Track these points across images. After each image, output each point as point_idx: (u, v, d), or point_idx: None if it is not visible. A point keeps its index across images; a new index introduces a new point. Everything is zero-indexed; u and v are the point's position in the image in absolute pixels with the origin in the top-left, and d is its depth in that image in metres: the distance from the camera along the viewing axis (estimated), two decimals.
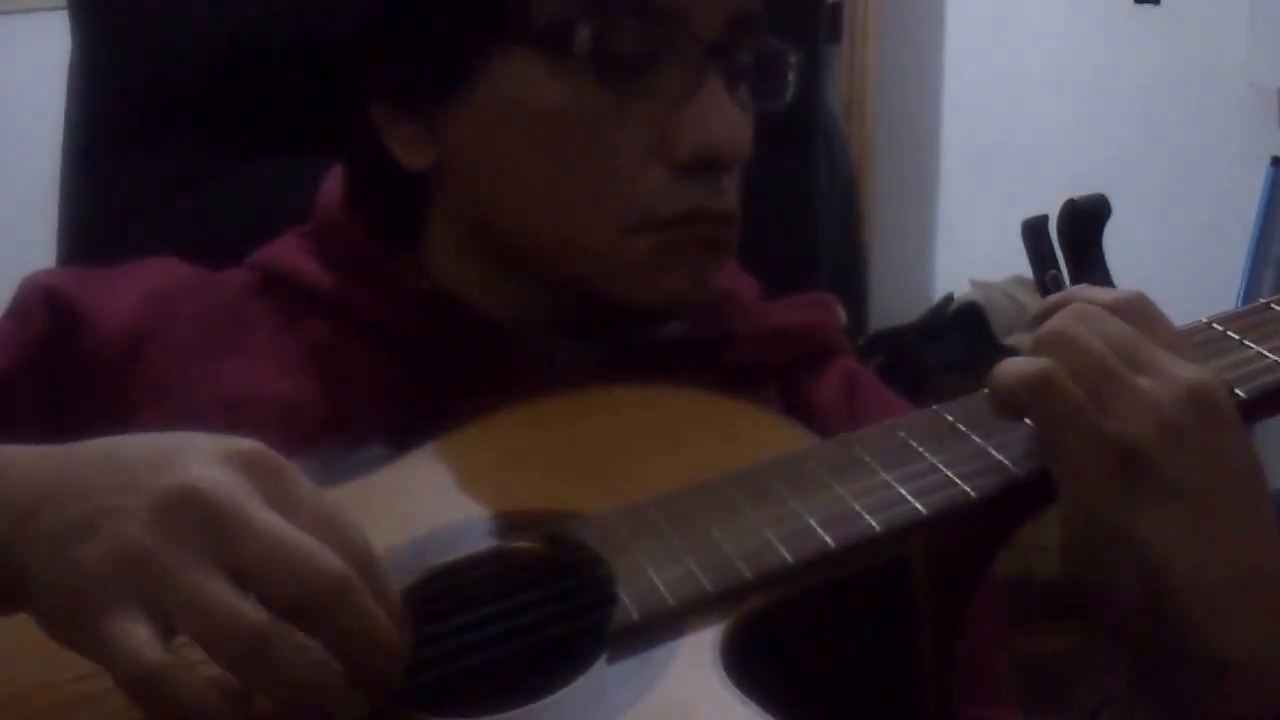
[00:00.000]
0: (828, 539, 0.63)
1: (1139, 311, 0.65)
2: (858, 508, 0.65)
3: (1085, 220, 1.85)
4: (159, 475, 0.57)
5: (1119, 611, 0.63)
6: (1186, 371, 0.63)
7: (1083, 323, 0.64)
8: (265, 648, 0.55)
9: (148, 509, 0.56)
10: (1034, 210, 1.94)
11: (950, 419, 0.69)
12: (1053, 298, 0.67)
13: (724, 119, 0.80)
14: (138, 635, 0.55)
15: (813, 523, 0.64)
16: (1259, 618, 0.62)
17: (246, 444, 0.60)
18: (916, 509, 0.64)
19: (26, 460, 0.61)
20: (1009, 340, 2.53)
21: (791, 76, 0.86)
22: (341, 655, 0.57)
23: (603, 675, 0.61)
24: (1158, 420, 0.61)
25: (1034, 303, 2.52)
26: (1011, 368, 0.63)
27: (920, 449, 0.67)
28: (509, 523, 0.71)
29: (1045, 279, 1.88)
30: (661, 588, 0.62)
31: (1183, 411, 0.62)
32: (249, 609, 0.55)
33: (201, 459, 0.58)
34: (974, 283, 2.72)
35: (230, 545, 0.56)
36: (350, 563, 0.57)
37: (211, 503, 0.56)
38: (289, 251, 0.91)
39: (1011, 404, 0.64)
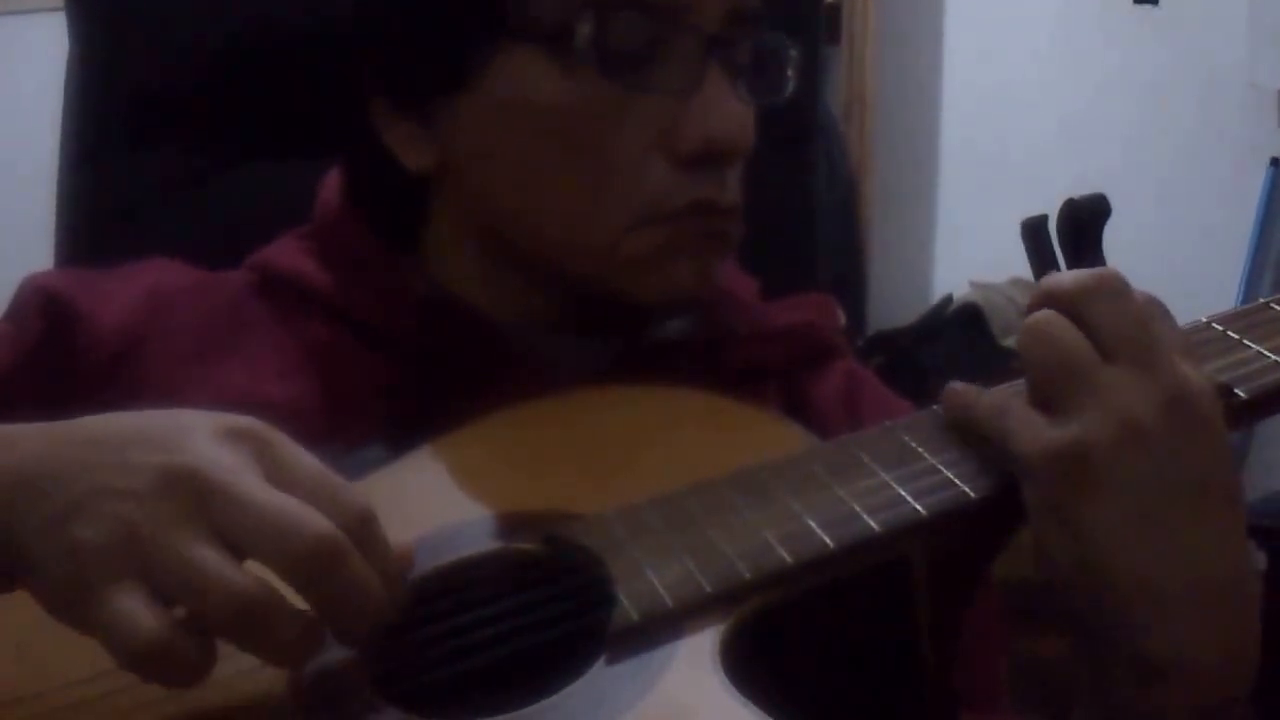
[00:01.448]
0: (827, 540, 0.63)
1: (1153, 309, 0.65)
2: (857, 508, 0.64)
3: (1085, 219, 1.85)
4: (155, 454, 0.58)
5: (1066, 609, 0.64)
6: (1175, 374, 0.62)
7: (1100, 292, 0.64)
8: (258, 611, 0.56)
9: (144, 487, 0.57)
10: (1033, 211, 1.94)
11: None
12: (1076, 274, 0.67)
13: (727, 112, 0.80)
14: (137, 608, 0.55)
15: (812, 524, 0.64)
16: (1201, 627, 0.62)
17: (242, 420, 0.60)
18: (916, 510, 0.64)
19: (24, 438, 0.62)
20: (1007, 341, 2.53)
21: (791, 70, 0.86)
22: (328, 616, 0.57)
23: (602, 677, 0.60)
24: (1120, 418, 0.61)
25: None
26: (962, 402, 0.67)
27: (920, 450, 0.67)
28: (508, 523, 0.70)
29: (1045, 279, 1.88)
30: (660, 589, 0.62)
31: (1154, 412, 0.62)
32: (240, 574, 0.56)
33: (197, 437, 0.59)
34: (973, 284, 2.72)
35: (223, 518, 0.56)
36: (344, 525, 0.57)
37: (206, 480, 0.57)
38: (288, 253, 0.91)
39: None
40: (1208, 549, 0.62)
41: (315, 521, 0.56)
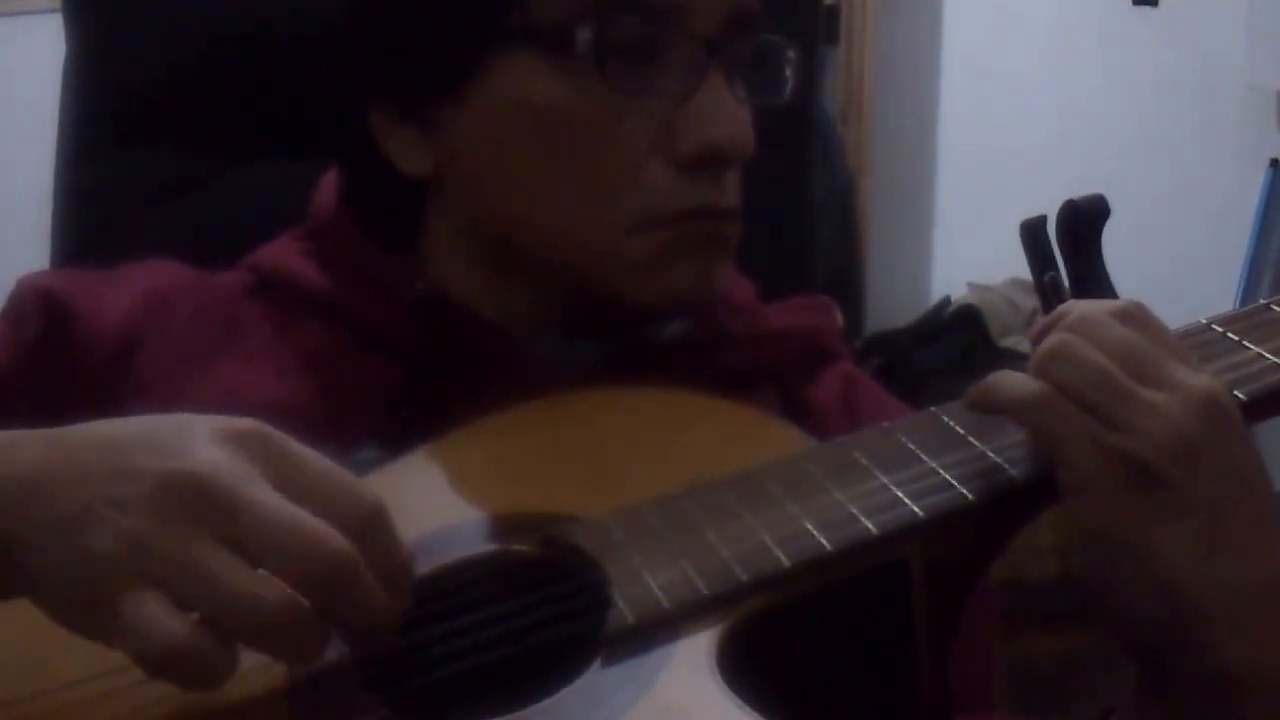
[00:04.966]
0: (824, 542, 0.63)
1: (1139, 320, 0.65)
2: (854, 511, 0.64)
3: (1084, 220, 1.85)
4: (159, 460, 0.58)
5: (1131, 626, 0.63)
6: (1196, 382, 0.62)
7: (1084, 333, 0.63)
8: (284, 620, 0.56)
9: (150, 494, 0.57)
10: (1032, 212, 1.94)
11: (947, 421, 0.69)
12: (1049, 317, 0.66)
13: (726, 115, 0.80)
14: (157, 613, 0.55)
15: (809, 526, 0.64)
16: (1275, 632, 0.62)
17: (245, 423, 0.60)
18: (914, 512, 0.64)
19: (24, 445, 0.61)
20: (1006, 343, 2.53)
21: (789, 71, 0.86)
22: (337, 624, 0.58)
23: (598, 679, 0.60)
24: (1170, 434, 0.61)
25: (1032, 305, 2.52)
26: (1007, 384, 0.64)
27: (917, 452, 0.67)
28: (505, 525, 0.70)
29: (1043, 280, 1.88)
30: (657, 591, 0.62)
31: (1195, 424, 0.61)
32: (265, 585, 0.56)
33: (201, 441, 0.58)
34: (971, 285, 2.72)
35: (234, 527, 0.56)
36: (354, 525, 0.57)
37: (212, 486, 0.56)
38: (284, 254, 0.91)
39: (1004, 414, 0.64)
40: (1265, 549, 0.62)
41: (330, 540, 0.56)
